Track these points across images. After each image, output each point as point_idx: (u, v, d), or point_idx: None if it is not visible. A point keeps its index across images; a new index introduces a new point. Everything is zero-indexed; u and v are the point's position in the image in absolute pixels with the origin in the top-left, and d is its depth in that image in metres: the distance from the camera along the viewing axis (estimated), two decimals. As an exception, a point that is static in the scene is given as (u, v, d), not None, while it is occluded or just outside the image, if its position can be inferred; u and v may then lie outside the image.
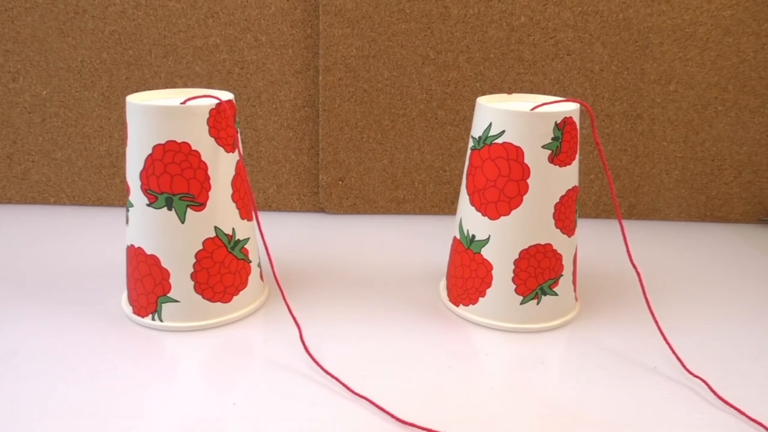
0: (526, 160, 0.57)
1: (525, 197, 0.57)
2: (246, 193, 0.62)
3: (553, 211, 0.58)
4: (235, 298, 0.61)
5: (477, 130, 0.60)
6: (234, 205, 0.59)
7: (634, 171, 0.89)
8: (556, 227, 0.59)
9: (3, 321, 0.60)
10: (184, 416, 0.48)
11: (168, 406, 0.49)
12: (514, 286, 0.60)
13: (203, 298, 0.59)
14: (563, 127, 0.56)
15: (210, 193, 0.57)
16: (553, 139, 0.56)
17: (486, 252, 0.60)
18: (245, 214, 0.61)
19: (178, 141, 0.55)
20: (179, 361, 0.54)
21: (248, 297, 0.63)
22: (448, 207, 0.92)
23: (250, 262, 0.62)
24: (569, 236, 0.60)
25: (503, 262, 0.59)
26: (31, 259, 0.74)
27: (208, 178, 0.57)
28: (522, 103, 0.63)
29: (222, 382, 0.52)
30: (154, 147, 0.55)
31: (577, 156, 0.59)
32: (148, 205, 0.57)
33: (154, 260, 0.58)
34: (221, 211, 0.58)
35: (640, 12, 0.82)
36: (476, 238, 0.60)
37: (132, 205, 0.58)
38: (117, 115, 0.88)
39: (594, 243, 0.83)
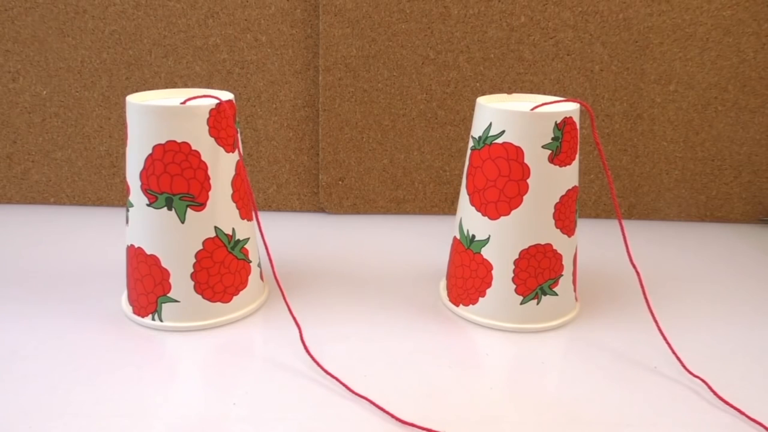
0: (526, 160, 0.57)
1: (525, 197, 0.57)
2: (246, 193, 0.62)
3: (553, 211, 0.58)
4: (235, 298, 0.61)
5: (477, 130, 0.60)
6: (234, 205, 0.59)
7: (634, 171, 0.89)
8: (556, 227, 0.59)
9: (3, 321, 0.60)
10: (184, 416, 0.48)
11: (168, 406, 0.49)
12: (514, 286, 0.60)
13: (203, 298, 0.59)
14: (563, 127, 0.56)
15: (210, 193, 0.57)
16: (553, 139, 0.56)
17: (486, 252, 0.60)
18: (245, 214, 0.61)
19: (178, 141, 0.55)
20: (179, 361, 0.54)
21: (248, 297, 0.63)
22: (448, 207, 0.92)
23: (250, 262, 0.62)
24: (569, 236, 0.60)
25: (503, 262, 0.59)
26: (31, 259, 0.74)
27: (208, 178, 0.57)
28: (522, 103, 0.63)
29: (222, 382, 0.52)
30: (154, 147, 0.55)
31: (577, 156, 0.59)
32: (148, 205, 0.57)
33: (154, 260, 0.58)
34: (221, 211, 0.58)
35: (640, 12, 0.82)
36: (476, 238, 0.60)
37: (132, 205, 0.58)
38: (117, 115, 0.88)
39: (594, 243, 0.83)
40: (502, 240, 0.59)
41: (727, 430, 0.48)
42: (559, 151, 0.57)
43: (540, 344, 0.59)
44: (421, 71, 0.85)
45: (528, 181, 0.57)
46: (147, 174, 0.56)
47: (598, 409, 0.49)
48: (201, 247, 0.58)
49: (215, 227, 0.58)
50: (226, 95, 0.61)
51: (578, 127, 0.58)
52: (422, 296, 0.68)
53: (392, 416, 0.48)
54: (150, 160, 0.55)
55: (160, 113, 0.55)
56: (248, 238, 0.62)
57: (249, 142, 0.89)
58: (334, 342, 0.58)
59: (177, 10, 0.83)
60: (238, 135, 0.60)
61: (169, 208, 0.56)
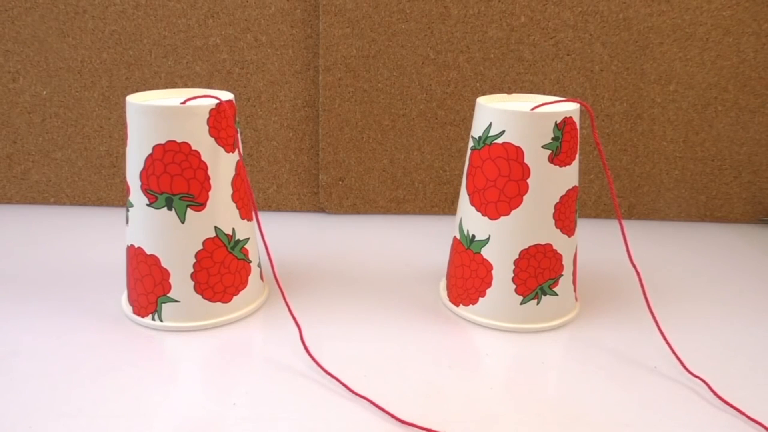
0: (526, 160, 0.57)
1: (525, 197, 0.57)
2: (246, 193, 0.62)
3: (553, 211, 0.58)
4: (235, 298, 0.61)
5: (477, 130, 0.60)
6: (234, 205, 0.59)
7: (634, 171, 0.89)
8: (556, 227, 0.59)
9: (3, 321, 0.60)
10: (184, 416, 0.48)
11: (168, 406, 0.49)
12: (514, 286, 0.60)
13: (203, 298, 0.59)
14: (563, 127, 0.56)
15: (210, 193, 0.57)
16: (553, 139, 0.56)
17: (486, 252, 0.60)
18: (245, 214, 0.61)
19: (178, 141, 0.55)
20: (179, 361, 0.54)
21: (248, 297, 0.63)
22: (448, 207, 0.92)
23: (250, 262, 0.62)
24: (569, 236, 0.60)
25: (503, 262, 0.59)
26: (31, 259, 0.74)
27: (208, 178, 0.57)
28: (522, 103, 0.63)
29: (222, 382, 0.52)
30: (154, 147, 0.55)
31: (577, 156, 0.60)
32: (148, 205, 0.57)
33: (154, 260, 0.58)
34: (221, 211, 0.58)
35: (640, 12, 0.82)
36: (476, 238, 0.60)
37: (132, 205, 0.58)
38: (117, 115, 0.88)
39: (594, 243, 0.83)
40: (502, 240, 0.59)
41: (727, 430, 0.48)
42: (559, 151, 0.57)
43: (540, 344, 0.59)
44: (421, 71, 0.85)
45: (528, 181, 0.57)
46: (147, 174, 0.56)
47: (598, 409, 0.49)
48: (201, 247, 0.58)
49: (215, 227, 0.58)
50: (226, 95, 0.61)
51: (578, 127, 0.58)
52: (422, 296, 0.68)
53: (392, 416, 0.48)
54: (150, 160, 0.55)
55: (160, 113, 0.55)
56: (248, 238, 0.62)
57: (249, 142, 0.89)
58: (334, 342, 0.58)
59: (177, 10, 0.83)
60: (238, 135, 0.60)
61: (169, 208, 0.56)
